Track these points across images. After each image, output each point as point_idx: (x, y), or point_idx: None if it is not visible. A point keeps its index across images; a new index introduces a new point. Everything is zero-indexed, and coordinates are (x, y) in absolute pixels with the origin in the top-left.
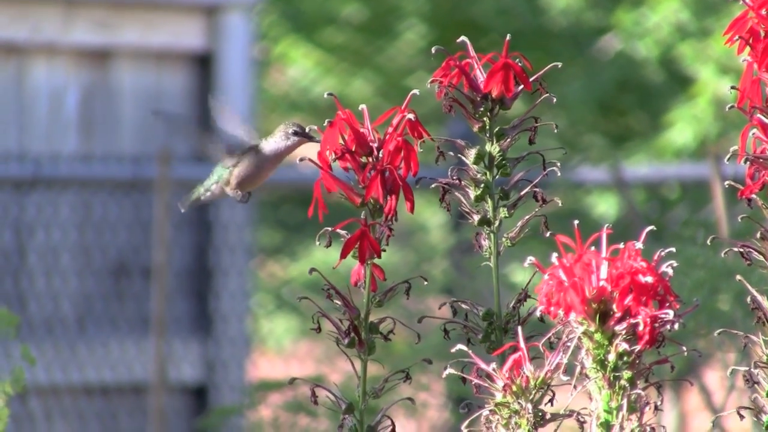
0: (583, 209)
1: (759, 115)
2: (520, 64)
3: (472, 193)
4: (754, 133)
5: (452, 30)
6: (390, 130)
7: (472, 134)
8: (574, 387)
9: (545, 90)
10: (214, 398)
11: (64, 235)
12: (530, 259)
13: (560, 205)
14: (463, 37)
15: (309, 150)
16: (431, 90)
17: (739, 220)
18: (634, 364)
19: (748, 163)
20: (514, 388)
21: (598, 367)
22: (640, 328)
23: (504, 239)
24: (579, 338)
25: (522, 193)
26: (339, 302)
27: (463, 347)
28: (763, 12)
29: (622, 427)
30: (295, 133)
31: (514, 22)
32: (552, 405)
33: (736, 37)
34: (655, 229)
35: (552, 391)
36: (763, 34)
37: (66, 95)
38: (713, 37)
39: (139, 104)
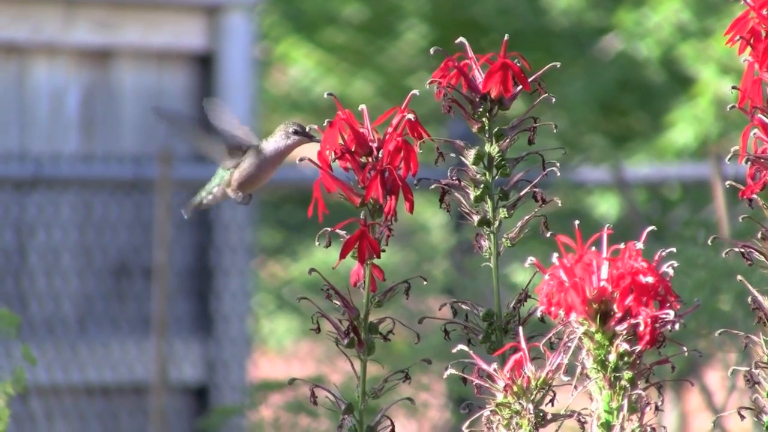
0: (584, 209)
1: (760, 115)
2: (518, 64)
3: (472, 193)
4: (755, 133)
5: (453, 30)
6: (390, 130)
7: (471, 134)
8: (575, 387)
9: (544, 90)
10: (215, 398)
11: (65, 235)
12: (531, 259)
13: (560, 205)
14: (461, 38)
15: (309, 150)
16: (431, 90)
17: (740, 221)
18: (634, 364)
19: (749, 163)
20: (515, 389)
21: (599, 368)
22: (641, 328)
23: (504, 240)
24: (580, 338)
25: (521, 193)
26: (338, 302)
27: (464, 347)
28: (764, 12)
29: (622, 428)
30: (296, 133)
31: (515, 22)
32: (553, 405)
33: (737, 37)
34: (655, 229)
35: (553, 391)
36: (764, 34)
37: (67, 95)
38: (714, 37)
39: (140, 104)
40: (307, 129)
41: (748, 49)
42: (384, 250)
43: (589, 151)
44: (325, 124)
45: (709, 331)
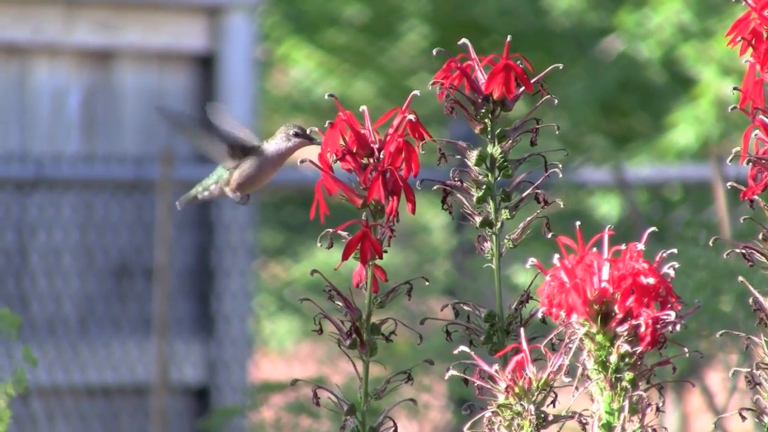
0: (585, 210)
1: (761, 117)
2: (521, 65)
3: (475, 194)
4: (756, 135)
5: (454, 31)
6: (391, 131)
7: (473, 135)
8: (576, 388)
9: (547, 91)
10: (216, 399)
11: (66, 236)
12: (532, 260)
13: (562, 206)
14: (464, 39)
15: (311, 151)
16: (432, 91)
17: (741, 222)
18: (635, 365)
19: (750, 164)
20: (517, 390)
21: (600, 369)
22: (642, 329)
23: (506, 241)
24: (581, 340)
25: (524, 194)
26: (341, 303)
27: (466, 349)
28: (766, 13)
29: (623, 429)
30: (296, 135)
31: (517, 23)
32: (554, 407)
33: (739, 38)
34: (657, 230)
35: (554, 392)
36: (765, 35)
37: (68, 96)
38: (715, 38)
39: (141, 105)
40: (308, 131)
41: (750, 50)
42: (386, 251)
43: (591, 152)
44: (326, 125)
45: (711, 332)
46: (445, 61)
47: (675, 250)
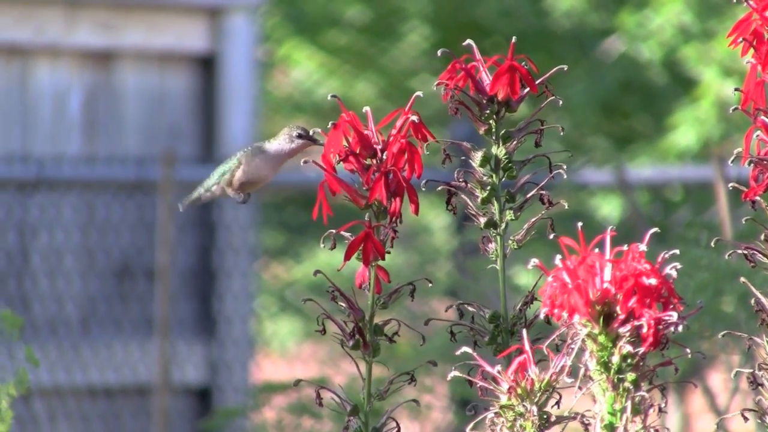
0: (586, 211)
1: (763, 117)
2: (525, 66)
3: (479, 195)
4: (757, 135)
5: (455, 32)
6: (394, 132)
7: (474, 136)
8: (579, 389)
9: (551, 93)
10: (217, 400)
11: (67, 237)
12: (534, 261)
13: (566, 207)
14: (469, 41)
15: (313, 152)
16: (435, 92)
17: (743, 222)
18: (637, 366)
19: (751, 165)
20: (519, 391)
21: (602, 369)
22: (644, 330)
23: (510, 241)
24: (583, 340)
25: (528, 195)
26: (343, 304)
27: (468, 349)
28: (767, 14)
29: (626, 430)
30: (299, 136)
31: (518, 23)
32: (558, 407)
33: (740, 39)
34: (658, 231)
35: (557, 393)
36: (767, 36)
37: (69, 97)
38: (717, 39)
39: (143, 106)
40: (311, 133)
41: (751, 51)
42: (389, 252)
43: (592, 153)
44: (329, 126)
45: (713, 332)
46: (448, 62)
47: (677, 251)
